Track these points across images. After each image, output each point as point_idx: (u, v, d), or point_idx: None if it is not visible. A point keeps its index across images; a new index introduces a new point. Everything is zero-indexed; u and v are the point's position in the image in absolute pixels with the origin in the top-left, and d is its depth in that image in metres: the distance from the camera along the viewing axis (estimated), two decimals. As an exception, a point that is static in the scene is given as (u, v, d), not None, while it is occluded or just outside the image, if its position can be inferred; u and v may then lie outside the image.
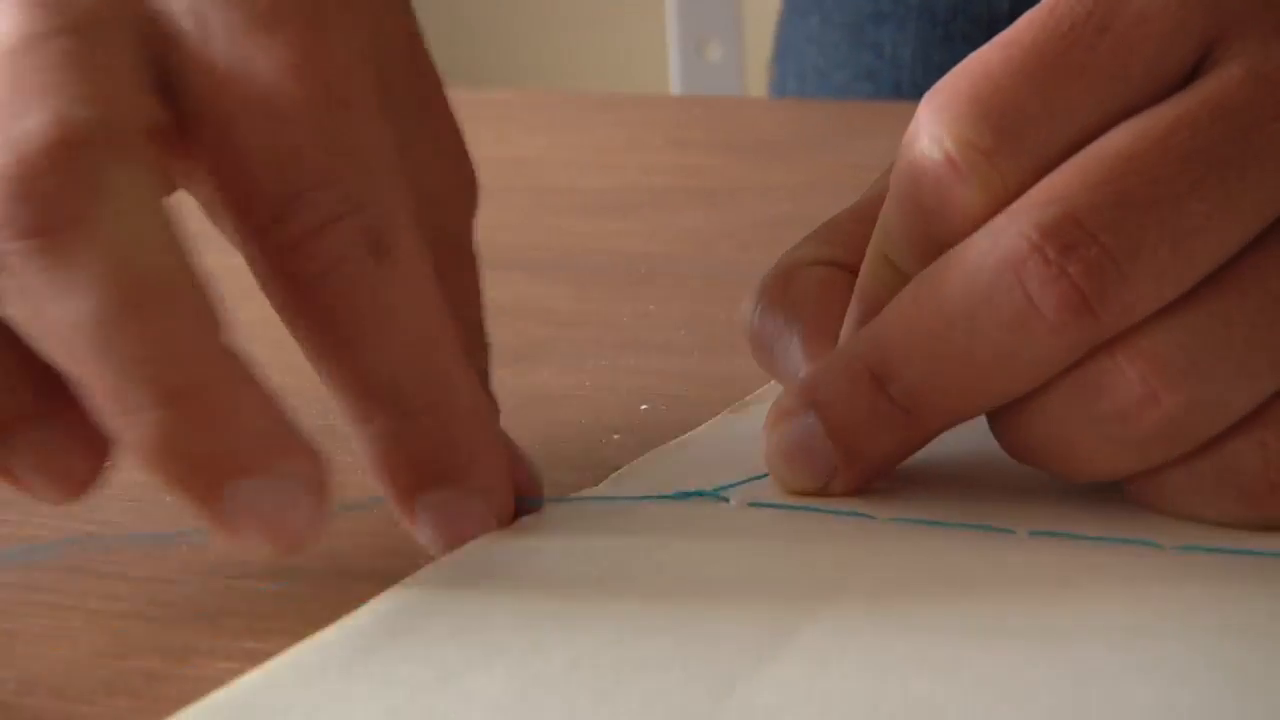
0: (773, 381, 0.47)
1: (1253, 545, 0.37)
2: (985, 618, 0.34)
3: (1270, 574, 0.35)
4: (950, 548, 0.37)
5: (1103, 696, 0.30)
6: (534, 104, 1.17)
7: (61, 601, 0.37)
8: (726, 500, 0.40)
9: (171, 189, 0.38)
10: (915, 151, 0.38)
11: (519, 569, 0.36)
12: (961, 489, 0.40)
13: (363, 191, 0.36)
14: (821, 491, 0.40)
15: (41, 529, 0.41)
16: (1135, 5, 0.37)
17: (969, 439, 0.40)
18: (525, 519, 0.39)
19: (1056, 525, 0.38)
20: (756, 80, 1.27)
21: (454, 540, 0.37)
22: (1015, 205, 0.37)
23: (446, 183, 0.42)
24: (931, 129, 0.37)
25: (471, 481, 0.37)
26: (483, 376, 0.41)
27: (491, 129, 0.95)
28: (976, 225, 0.37)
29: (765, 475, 0.40)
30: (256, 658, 0.33)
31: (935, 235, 0.38)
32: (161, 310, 0.33)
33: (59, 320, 0.33)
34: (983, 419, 0.39)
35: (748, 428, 0.43)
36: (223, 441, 0.33)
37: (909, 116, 0.38)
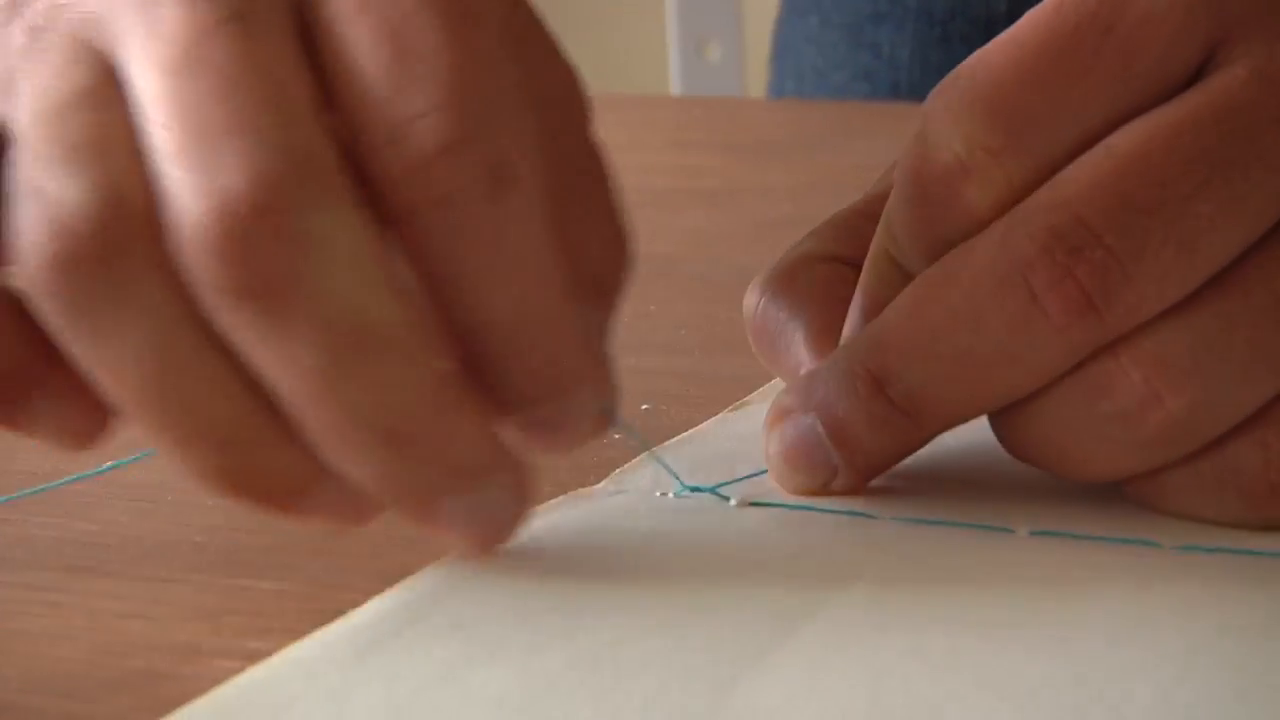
0: (773, 381, 0.47)
1: (1252, 545, 0.37)
2: (985, 616, 0.34)
3: (1270, 573, 0.35)
4: (951, 547, 0.37)
5: (1102, 695, 0.30)
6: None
7: (64, 601, 0.37)
8: (727, 499, 0.40)
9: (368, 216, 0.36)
10: (922, 149, 0.38)
11: (520, 567, 0.36)
12: (962, 488, 0.40)
13: (485, 121, 0.34)
14: (822, 491, 0.40)
15: (43, 529, 0.41)
16: (1140, 6, 0.37)
17: (970, 438, 0.40)
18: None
19: (1057, 524, 0.38)
20: (757, 81, 1.27)
21: (562, 444, 0.36)
22: (1022, 207, 0.37)
23: (556, 88, 0.39)
24: (939, 128, 0.37)
25: (578, 391, 0.36)
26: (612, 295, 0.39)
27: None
28: (982, 225, 0.37)
29: (764, 472, 0.40)
30: (258, 657, 0.33)
31: (941, 234, 0.38)
32: (377, 359, 0.33)
33: (274, 365, 0.33)
34: (984, 418, 0.39)
35: (748, 426, 0.43)
36: (439, 472, 0.34)
37: (908, 117, 0.38)
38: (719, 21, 1.43)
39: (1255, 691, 0.30)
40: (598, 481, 0.42)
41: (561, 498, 0.41)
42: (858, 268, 0.42)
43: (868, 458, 0.39)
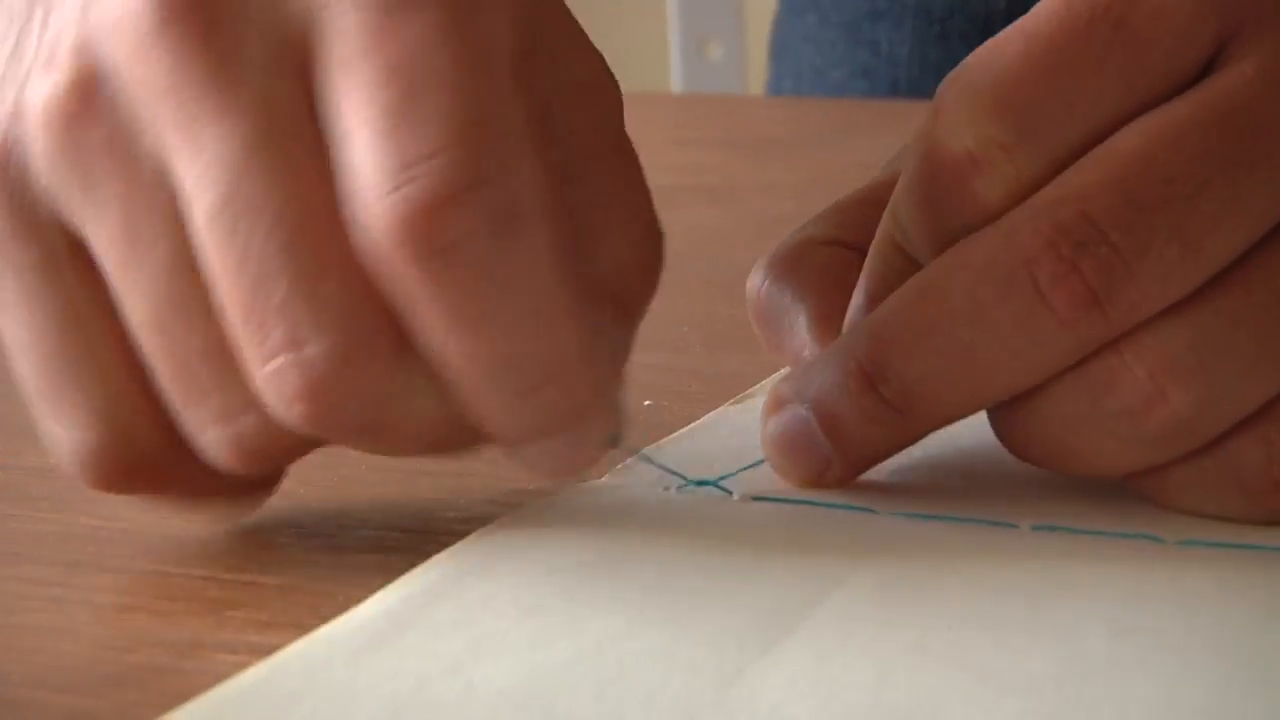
0: (774, 375, 0.47)
1: (1254, 540, 0.37)
2: (988, 610, 0.34)
3: (1272, 568, 0.35)
4: (954, 541, 0.37)
5: (1105, 689, 0.30)
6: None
7: (66, 596, 0.37)
8: (730, 493, 0.40)
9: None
10: (933, 140, 0.38)
11: (523, 561, 0.36)
12: (964, 483, 0.40)
13: (494, 163, 0.34)
14: (817, 482, 0.40)
15: (44, 524, 0.41)
16: (1151, 1, 0.37)
17: (973, 433, 0.40)
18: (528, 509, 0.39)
19: (1059, 519, 0.38)
20: (758, 79, 1.27)
21: (560, 472, 0.37)
22: (1029, 203, 0.37)
23: (583, 81, 0.39)
24: (951, 119, 0.37)
25: (582, 427, 0.36)
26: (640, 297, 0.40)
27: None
28: (990, 218, 0.37)
29: (762, 461, 0.40)
30: (262, 651, 0.33)
31: (948, 225, 0.38)
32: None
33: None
34: (983, 415, 0.39)
35: (750, 419, 0.43)
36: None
37: (908, 115, 0.38)
38: (720, 20, 1.43)
39: (1258, 686, 0.30)
40: (600, 476, 0.42)
41: (564, 492, 0.41)
42: (862, 253, 0.42)
43: (860, 451, 0.39)
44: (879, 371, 0.38)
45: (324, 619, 0.35)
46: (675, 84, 1.44)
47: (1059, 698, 0.30)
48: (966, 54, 0.38)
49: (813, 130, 0.98)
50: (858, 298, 0.41)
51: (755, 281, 0.44)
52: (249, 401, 0.36)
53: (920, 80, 1.01)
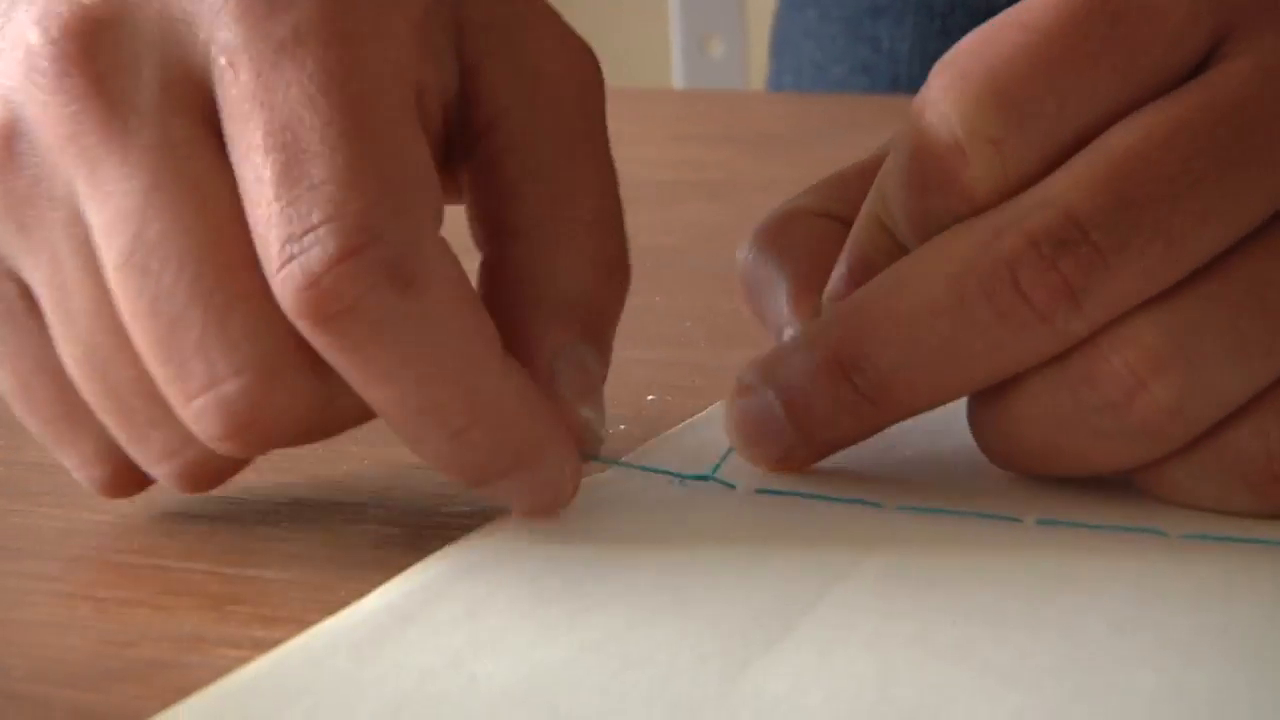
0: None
1: (1259, 533, 0.37)
2: (992, 604, 0.34)
3: (1276, 562, 0.35)
4: (957, 535, 0.37)
5: (1109, 683, 0.30)
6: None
7: (68, 590, 0.37)
8: (733, 486, 0.40)
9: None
10: (922, 125, 0.37)
11: (525, 557, 0.36)
12: (968, 477, 0.40)
13: (380, 219, 0.35)
14: (780, 465, 0.40)
15: (46, 519, 0.41)
16: None
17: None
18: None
19: (1063, 513, 0.38)
20: (759, 76, 1.27)
21: (531, 510, 0.38)
22: (1016, 201, 0.37)
23: (556, 67, 0.41)
24: (941, 107, 0.37)
25: (539, 464, 0.37)
26: (613, 293, 0.41)
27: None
28: (976, 208, 0.37)
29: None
30: (264, 646, 0.33)
31: (933, 212, 0.38)
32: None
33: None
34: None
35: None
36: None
37: (908, 111, 0.38)
38: (721, 17, 1.43)
39: (1262, 679, 0.30)
40: (603, 470, 0.42)
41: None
42: (850, 226, 0.42)
43: (826, 438, 0.40)
44: (853, 360, 0.38)
45: (326, 613, 0.35)
46: (677, 80, 1.44)
47: (1062, 691, 0.30)
48: None
49: (814, 126, 0.98)
50: (837, 274, 0.41)
51: (742, 251, 0.45)
52: (189, 436, 0.37)
53: (921, 76, 1.00)
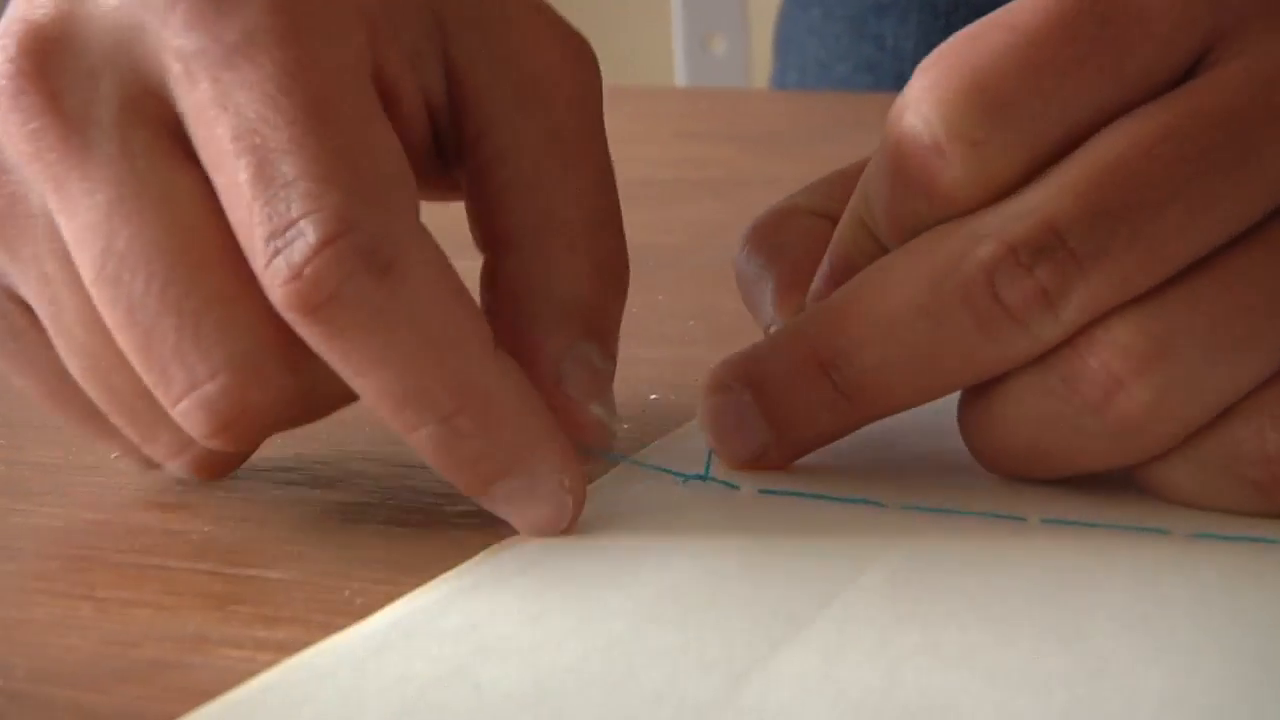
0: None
1: (1265, 533, 0.36)
2: (997, 607, 0.33)
3: (1282, 563, 0.35)
4: (962, 535, 0.37)
5: (1116, 685, 0.30)
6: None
7: (71, 590, 0.37)
8: (737, 487, 0.40)
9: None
10: (904, 125, 0.37)
11: (531, 569, 0.36)
12: (973, 476, 0.40)
13: (355, 208, 0.35)
14: (755, 464, 0.40)
15: (48, 519, 0.41)
16: (1137, 0, 0.36)
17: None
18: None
19: (1068, 513, 0.38)
20: (761, 74, 1.26)
21: (533, 524, 0.37)
22: (997, 209, 0.37)
23: (550, 63, 0.41)
24: (923, 107, 0.37)
25: (535, 468, 0.37)
26: (613, 294, 0.41)
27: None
28: (956, 210, 0.37)
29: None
30: (267, 646, 0.33)
31: (912, 212, 0.38)
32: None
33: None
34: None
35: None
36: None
37: (891, 112, 0.38)
38: (724, 15, 1.43)
39: (1269, 679, 0.30)
40: (607, 470, 0.42)
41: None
42: None
43: (802, 435, 0.40)
44: (831, 358, 0.38)
45: (329, 613, 0.34)
46: (679, 78, 1.44)
47: (1069, 696, 0.30)
48: None
49: (817, 124, 0.98)
50: (820, 273, 0.41)
51: (738, 247, 0.45)
52: None
53: (925, 75, 1.00)
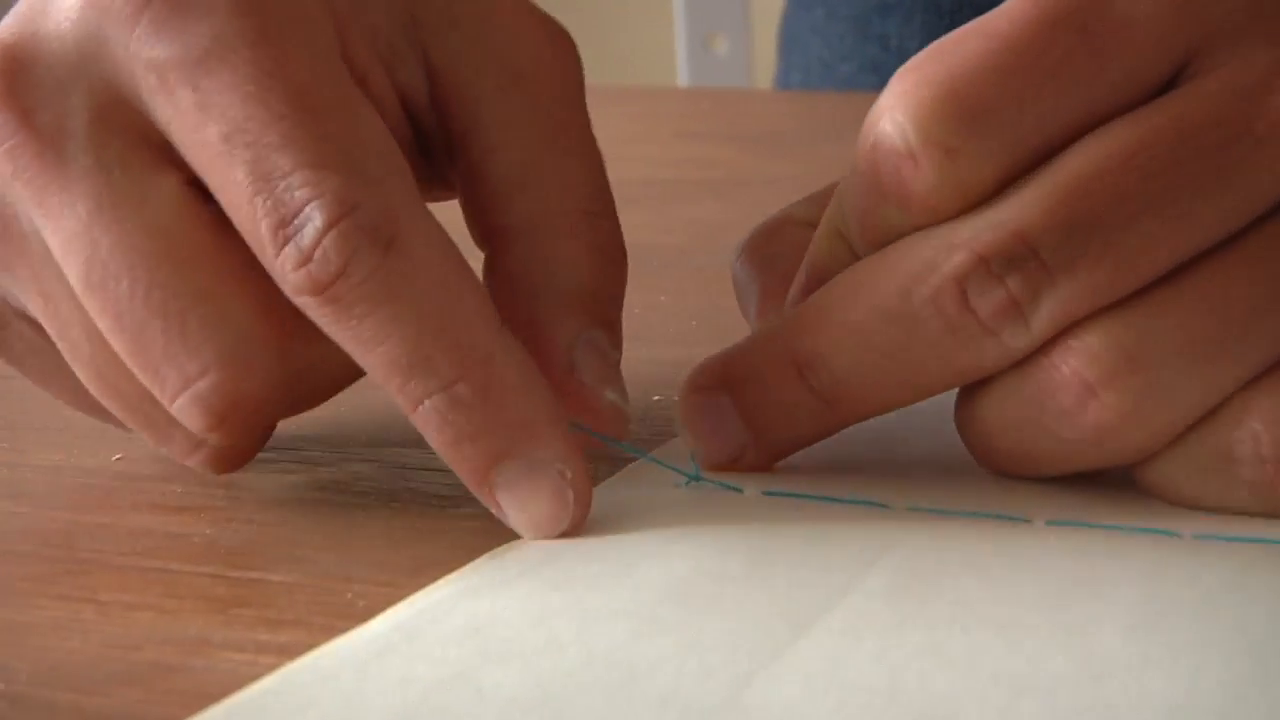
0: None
1: (1271, 534, 0.36)
2: (1003, 609, 0.33)
3: (1288, 564, 0.35)
4: (967, 537, 0.37)
5: (1121, 688, 0.30)
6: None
7: (73, 593, 0.37)
8: (740, 489, 0.40)
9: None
10: (878, 132, 0.37)
11: (533, 572, 0.36)
12: (976, 477, 0.40)
13: (354, 190, 0.36)
14: (733, 465, 0.40)
15: (51, 521, 0.41)
16: (1118, 9, 0.36)
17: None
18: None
19: (1073, 514, 0.38)
20: (764, 75, 1.26)
21: (537, 520, 0.37)
22: (969, 220, 0.37)
23: (532, 54, 0.42)
24: (897, 113, 0.37)
25: (535, 451, 0.37)
26: (612, 282, 0.41)
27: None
28: (929, 217, 0.37)
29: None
30: (269, 649, 0.33)
31: (884, 218, 0.38)
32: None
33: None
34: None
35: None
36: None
37: (867, 118, 0.38)
38: (726, 15, 1.43)
39: (1275, 684, 0.30)
40: (612, 473, 0.41)
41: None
42: None
43: (779, 438, 0.40)
44: (808, 360, 0.38)
45: (331, 616, 0.34)
46: (681, 78, 1.44)
47: (1075, 698, 0.30)
48: None
49: (820, 124, 0.98)
50: (796, 283, 0.41)
51: (735, 256, 0.45)
52: None
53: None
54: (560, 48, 0.42)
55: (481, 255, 0.42)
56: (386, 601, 0.35)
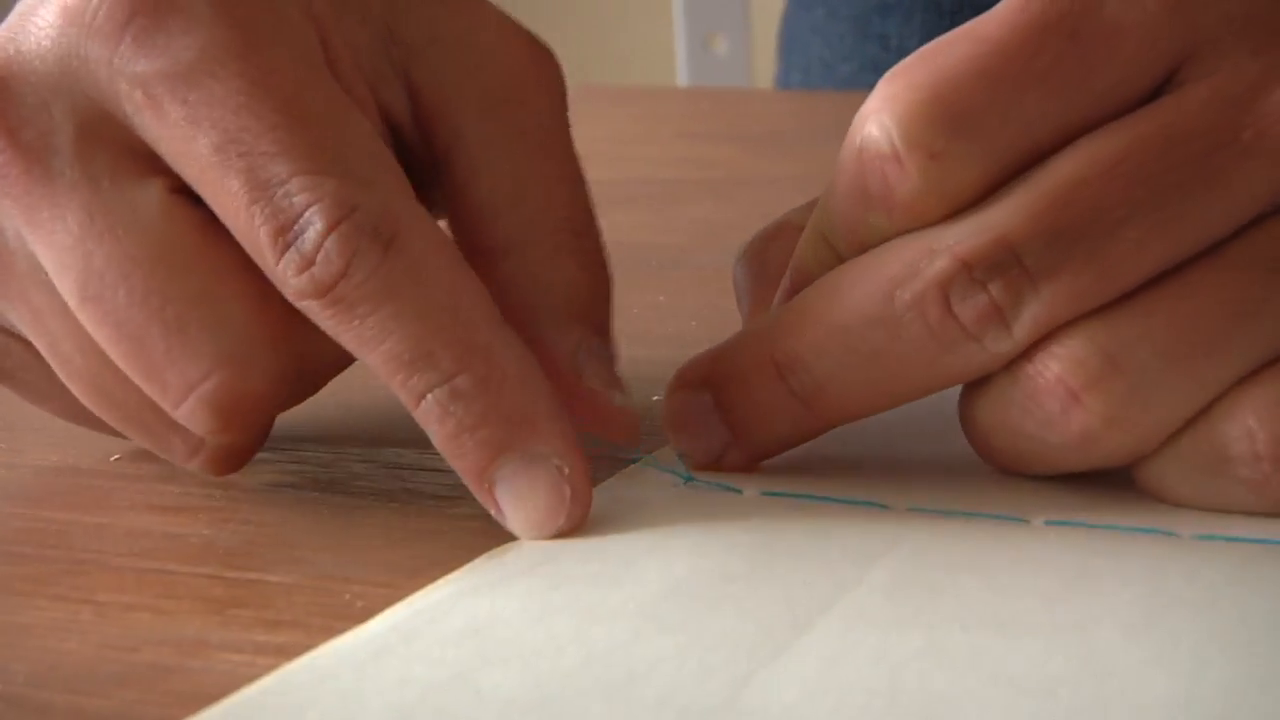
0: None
1: (1270, 534, 0.36)
2: (1002, 610, 0.33)
3: (1288, 564, 0.35)
4: (965, 537, 0.37)
5: (1121, 689, 0.30)
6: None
7: (71, 594, 0.37)
8: (739, 490, 0.40)
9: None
10: (864, 135, 0.37)
11: (530, 565, 0.36)
12: (976, 477, 0.40)
13: (352, 192, 0.37)
14: (715, 465, 0.40)
15: (49, 522, 0.41)
16: (1109, 14, 0.36)
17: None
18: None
19: (1072, 514, 0.38)
20: (763, 75, 1.26)
21: (535, 517, 0.37)
22: (953, 226, 0.37)
23: (514, 71, 0.42)
24: (883, 117, 0.37)
25: (534, 445, 0.37)
26: (597, 292, 0.42)
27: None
28: (914, 221, 0.37)
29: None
30: (267, 650, 0.33)
31: (867, 221, 0.38)
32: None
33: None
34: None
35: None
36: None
37: (854, 121, 0.38)
38: (726, 15, 1.43)
39: (1276, 682, 0.30)
40: (612, 473, 0.41)
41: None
42: None
43: (761, 439, 0.40)
44: (789, 363, 0.38)
45: (329, 617, 0.34)
46: (681, 78, 1.44)
47: (1075, 699, 0.30)
48: None
49: (821, 124, 0.98)
50: (782, 288, 0.41)
51: (735, 262, 0.45)
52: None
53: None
54: (543, 66, 0.43)
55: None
56: (385, 602, 0.35)
